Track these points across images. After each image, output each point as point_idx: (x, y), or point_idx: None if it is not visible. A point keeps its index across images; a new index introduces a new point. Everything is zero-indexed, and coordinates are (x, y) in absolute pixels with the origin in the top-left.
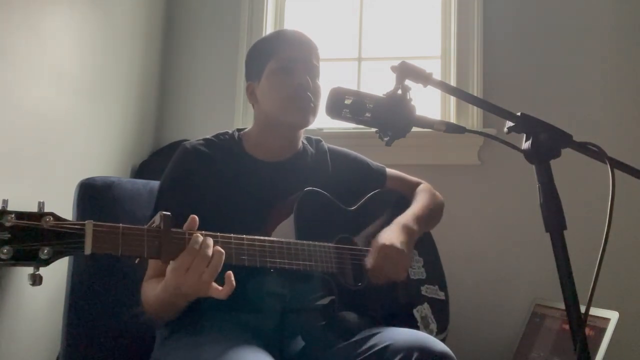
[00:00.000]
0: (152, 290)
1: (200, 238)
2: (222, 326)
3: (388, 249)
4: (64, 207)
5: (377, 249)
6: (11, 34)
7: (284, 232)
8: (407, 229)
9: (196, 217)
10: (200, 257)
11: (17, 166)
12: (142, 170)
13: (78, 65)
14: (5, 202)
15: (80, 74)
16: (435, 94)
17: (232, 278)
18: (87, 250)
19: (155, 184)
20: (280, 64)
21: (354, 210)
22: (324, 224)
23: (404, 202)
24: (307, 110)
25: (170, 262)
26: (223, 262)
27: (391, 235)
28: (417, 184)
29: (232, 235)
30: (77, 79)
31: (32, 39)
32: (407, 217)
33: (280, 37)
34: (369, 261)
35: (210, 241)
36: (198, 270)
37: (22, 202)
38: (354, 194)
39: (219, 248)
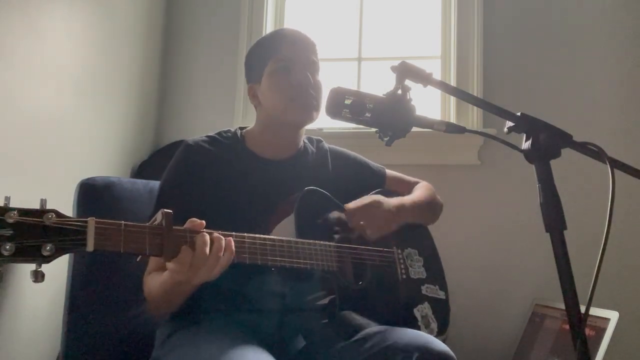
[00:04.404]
0: (154, 281)
1: (203, 239)
2: (222, 325)
3: (375, 203)
4: (64, 207)
5: (365, 200)
6: (11, 34)
7: (284, 231)
8: (400, 205)
9: (204, 222)
10: (198, 256)
11: (17, 166)
12: (142, 170)
13: (78, 65)
14: (7, 199)
15: (80, 74)
16: (435, 94)
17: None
18: (90, 247)
19: (155, 184)
20: (279, 63)
21: None
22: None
23: None
24: (310, 107)
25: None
26: (225, 248)
27: (383, 199)
28: (416, 184)
29: (233, 233)
30: (77, 79)
31: (32, 39)
32: (403, 198)
33: (277, 37)
34: (352, 204)
35: (210, 243)
36: (196, 266)
37: (22, 202)
38: (354, 194)
39: (220, 236)
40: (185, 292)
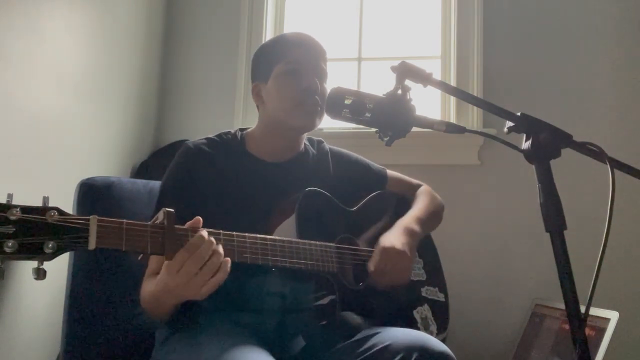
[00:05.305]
0: (148, 285)
1: (200, 240)
2: (222, 326)
3: (390, 251)
4: (64, 207)
5: (379, 251)
6: (11, 34)
7: (285, 232)
8: (409, 231)
9: (200, 218)
10: (194, 259)
11: (17, 166)
12: (142, 170)
13: (78, 65)
14: (10, 196)
15: (80, 74)
16: (435, 94)
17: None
18: (91, 245)
19: (155, 184)
20: (288, 66)
21: (354, 211)
22: (325, 224)
23: (404, 204)
24: (314, 115)
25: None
26: (220, 267)
27: (393, 237)
28: (418, 186)
29: (234, 233)
30: (77, 79)
31: (32, 39)
32: (408, 219)
33: (289, 40)
34: (371, 264)
35: (209, 246)
36: (189, 272)
37: (22, 202)
38: (355, 196)
39: (220, 251)
40: (170, 305)
